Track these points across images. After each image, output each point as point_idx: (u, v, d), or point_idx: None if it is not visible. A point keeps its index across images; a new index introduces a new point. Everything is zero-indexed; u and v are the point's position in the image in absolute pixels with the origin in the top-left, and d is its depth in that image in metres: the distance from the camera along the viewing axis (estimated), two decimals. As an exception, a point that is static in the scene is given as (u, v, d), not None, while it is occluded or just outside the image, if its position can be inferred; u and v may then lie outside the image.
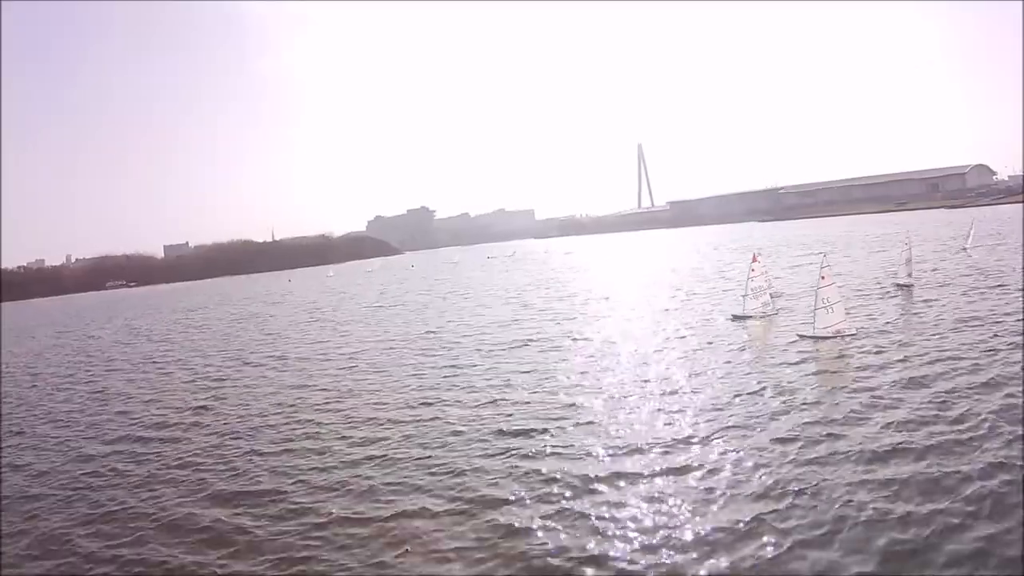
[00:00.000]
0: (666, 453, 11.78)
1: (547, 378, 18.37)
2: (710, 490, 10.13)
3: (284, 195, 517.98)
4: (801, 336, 20.37)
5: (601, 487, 10.57)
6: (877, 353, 17.76)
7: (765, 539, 8.60)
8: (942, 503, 9.04)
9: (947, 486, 9.51)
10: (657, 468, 11.10)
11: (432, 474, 11.90)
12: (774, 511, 9.27)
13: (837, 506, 9.23)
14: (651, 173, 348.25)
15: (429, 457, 12.82)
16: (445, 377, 20.03)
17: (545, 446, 12.73)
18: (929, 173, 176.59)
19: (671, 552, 8.49)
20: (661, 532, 9.01)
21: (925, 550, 8.04)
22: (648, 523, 9.29)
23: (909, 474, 9.99)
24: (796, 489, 9.83)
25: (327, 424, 16.03)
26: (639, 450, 11.97)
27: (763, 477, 10.40)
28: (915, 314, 23.18)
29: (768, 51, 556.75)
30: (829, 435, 11.92)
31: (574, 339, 24.14)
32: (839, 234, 79.54)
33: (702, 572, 8.04)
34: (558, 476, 11.18)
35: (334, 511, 10.70)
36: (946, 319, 21.48)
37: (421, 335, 29.44)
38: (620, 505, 9.88)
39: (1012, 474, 9.65)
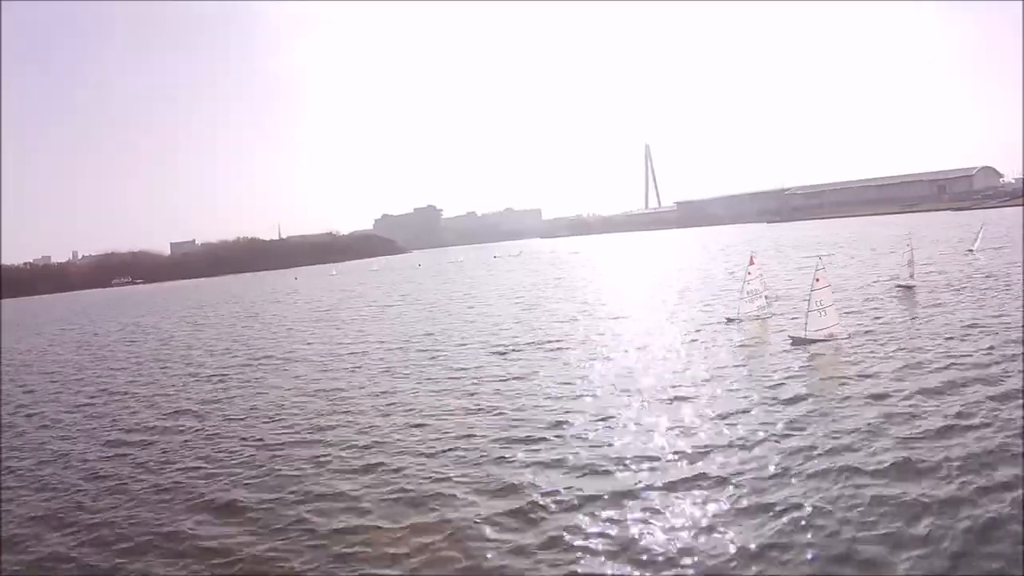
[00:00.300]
0: (645, 459, 11.76)
1: (532, 384, 18.23)
2: (684, 496, 10.16)
3: (291, 193, 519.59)
4: (793, 338, 20.36)
5: (586, 499, 10.42)
6: (865, 357, 17.77)
7: (749, 538, 8.65)
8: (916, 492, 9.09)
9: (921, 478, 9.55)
10: (640, 476, 11.06)
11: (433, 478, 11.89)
12: (754, 512, 9.33)
13: (810, 506, 9.27)
14: (658, 173, 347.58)
15: (430, 459, 12.84)
16: (437, 379, 20.15)
17: (524, 457, 12.59)
18: (936, 175, 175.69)
19: (660, 562, 8.47)
20: (653, 538, 9.02)
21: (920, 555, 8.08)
22: (637, 530, 9.28)
23: (884, 475, 10.04)
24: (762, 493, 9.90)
25: (333, 428, 15.86)
26: (619, 460, 11.83)
27: (737, 483, 10.44)
28: (913, 317, 23.15)
29: (776, 52, 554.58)
30: (810, 446, 11.95)
31: (562, 343, 23.99)
32: (848, 236, 79.28)
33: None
34: (534, 490, 11.15)
35: (350, 519, 10.61)
36: (944, 322, 21.50)
37: (423, 335, 29.47)
38: (609, 518, 9.70)
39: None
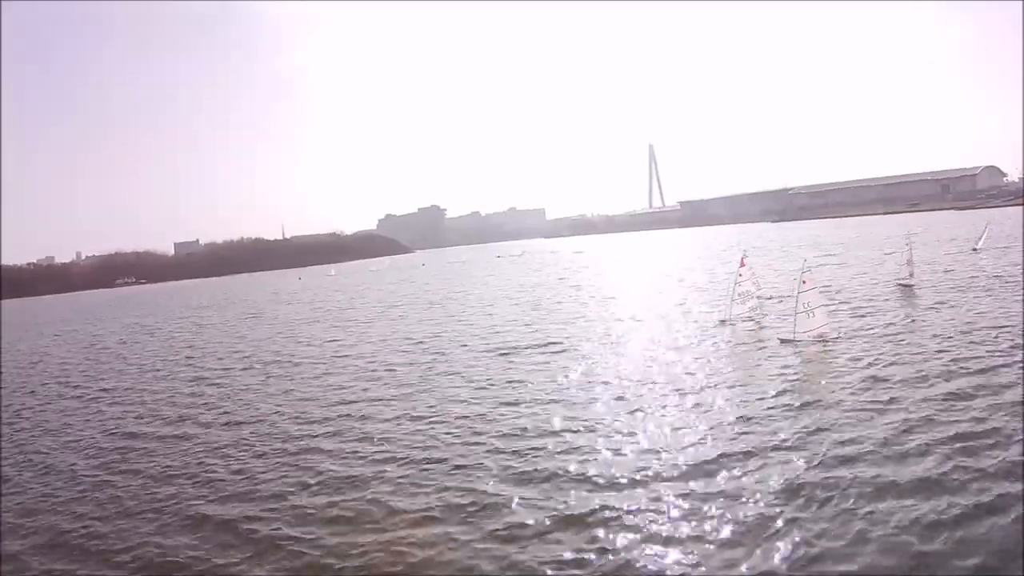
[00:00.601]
0: (623, 464, 11.67)
1: (518, 387, 18.05)
2: (662, 499, 10.08)
3: (295, 194, 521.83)
4: (782, 340, 20.23)
5: (574, 501, 10.34)
6: (851, 357, 17.66)
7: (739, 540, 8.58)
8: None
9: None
10: (625, 479, 10.98)
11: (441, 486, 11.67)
12: (735, 515, 9.24)
13: (804, 509, 9.20)
14: (662, 173, 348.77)
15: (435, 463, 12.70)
16: (435, 381, 20.08)
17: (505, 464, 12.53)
18: (940, 174, 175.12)
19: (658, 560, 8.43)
20: (645, 540, 8.95)
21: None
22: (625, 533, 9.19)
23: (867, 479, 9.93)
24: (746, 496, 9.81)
25: (335, 431, 15.64)
26: (602, 462, 11.78)
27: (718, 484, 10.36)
28: (908, 316, 23.01)
29: (780, 52, 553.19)
30: (782, 445, 11.85)
31: (547, 346, 23.66)
32: (851, 235, 79.07)
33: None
34: (505, 499, 11.11)
35: (347, 513, 10.60)
36: (940, 320, 21.43)
37: (427, 337, 29.26)
38: (605, 519, 9.64)
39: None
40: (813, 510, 9.26)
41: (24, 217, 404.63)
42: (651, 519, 9.44)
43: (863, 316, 23.67)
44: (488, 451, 12.97)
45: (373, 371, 22.37)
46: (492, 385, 18.57)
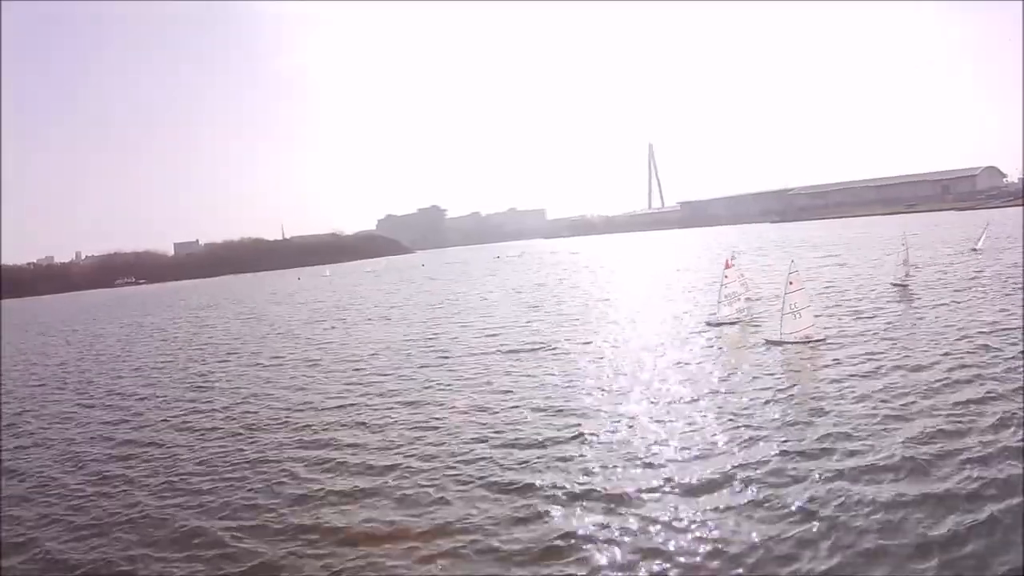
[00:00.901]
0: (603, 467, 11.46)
1: (500, 389, 17.84)
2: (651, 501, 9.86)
3: (295, 193, 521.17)
4: (769, 342, 19.98)
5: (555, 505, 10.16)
6: (836, 359, 17.45)
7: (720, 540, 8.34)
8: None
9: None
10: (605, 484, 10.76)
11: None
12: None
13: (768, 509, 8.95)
14: (662, 173, 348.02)
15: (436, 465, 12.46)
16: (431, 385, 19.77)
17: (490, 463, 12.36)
18: (940, 175, 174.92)
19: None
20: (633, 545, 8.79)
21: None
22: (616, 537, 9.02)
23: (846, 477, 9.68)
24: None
25: (336, 433, 15.31)
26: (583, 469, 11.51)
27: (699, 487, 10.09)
28: (899, 317, 22.86)
29: (779, 52, 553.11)
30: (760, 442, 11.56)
31: (536, 351, 23.04)
32: (850, 236, 79.02)
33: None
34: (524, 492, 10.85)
35: (348, 523, 10.32)
36: (930, 322, 21.24)
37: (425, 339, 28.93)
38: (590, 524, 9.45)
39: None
40: (797, 512, 9.11)
41: (24, 217, 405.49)
42: (637, 526, 9.23)
43: (853, 317, 23.47)
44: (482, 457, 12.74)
45: (369, 375, 21.87)
46: (467, 387, 18.34)
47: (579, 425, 13.72)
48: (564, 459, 11.93)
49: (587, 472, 11.22)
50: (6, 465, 15.44)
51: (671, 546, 8.58)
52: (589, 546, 8.83)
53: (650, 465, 11.20)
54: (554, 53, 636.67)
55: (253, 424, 16.69)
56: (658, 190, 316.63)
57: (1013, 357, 15.95)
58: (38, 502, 12.74)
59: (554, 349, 22.48)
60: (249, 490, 12.10)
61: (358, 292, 67.00)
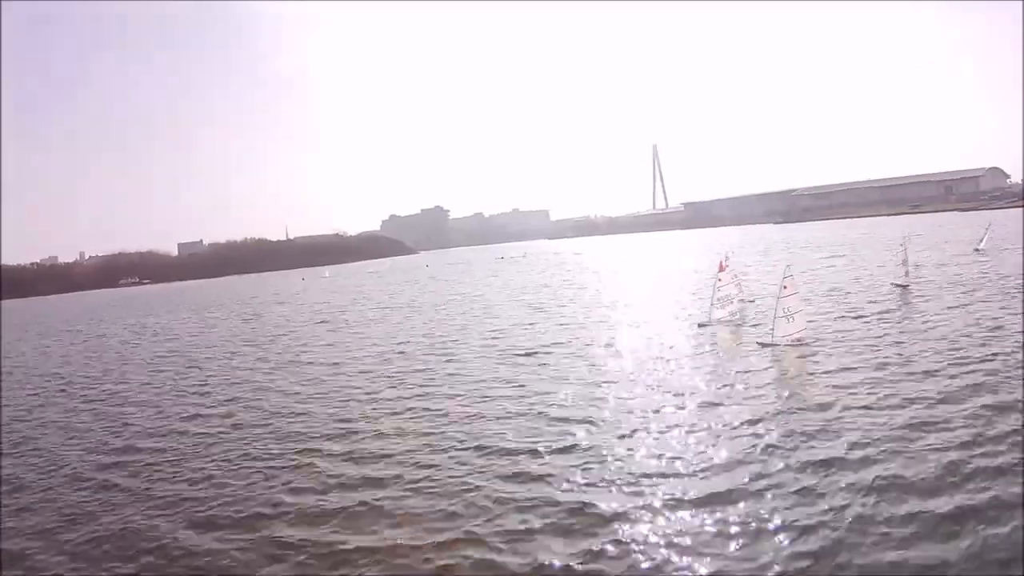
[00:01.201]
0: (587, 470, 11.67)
1: (489, 390, 18.05)
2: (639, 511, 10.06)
3: (299, 194, 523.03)
4: (761, 344, 20.17)
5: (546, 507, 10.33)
6: (826, 362, 17.56)
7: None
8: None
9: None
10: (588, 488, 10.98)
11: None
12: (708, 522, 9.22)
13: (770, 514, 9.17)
14: (666, 174, 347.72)
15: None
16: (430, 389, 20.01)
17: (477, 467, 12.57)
18: (943, 176, 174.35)
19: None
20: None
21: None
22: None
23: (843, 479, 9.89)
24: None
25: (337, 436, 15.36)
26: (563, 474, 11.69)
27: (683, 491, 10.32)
28: (897, 318, 22.94)
29: (783, 52, 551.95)
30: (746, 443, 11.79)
31: (532, 355, 22.90)
32: (853, 236, 78.82)
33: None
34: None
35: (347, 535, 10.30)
36: (928, 323, 21.29)
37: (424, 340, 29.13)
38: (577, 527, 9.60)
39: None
40: (789, 508, 9.31)
41: (25, 217, 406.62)
42: (633, 523, 9.47)
43: (849, 318, 23.57)
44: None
45: (369, 377, 21.96)
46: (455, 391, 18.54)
47: (573, 434, 13.63)
48: (558, 465, 11.97)
49: (580, 483, 11.20)
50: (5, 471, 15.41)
51: (662, 553, 8.66)
52: (590, 555, 8.90)
53: (646, 475, 11.16)
54: (558, 53, 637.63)
55: (258, 434, 16.40)
56: (662, 191, 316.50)
57: (1012, 351, 16.20)
58: (36, 510, 12.61)
59: (551, 353, 22.61)
60: (248, 501, 12.00)
61: (362, 292, 67.29)
